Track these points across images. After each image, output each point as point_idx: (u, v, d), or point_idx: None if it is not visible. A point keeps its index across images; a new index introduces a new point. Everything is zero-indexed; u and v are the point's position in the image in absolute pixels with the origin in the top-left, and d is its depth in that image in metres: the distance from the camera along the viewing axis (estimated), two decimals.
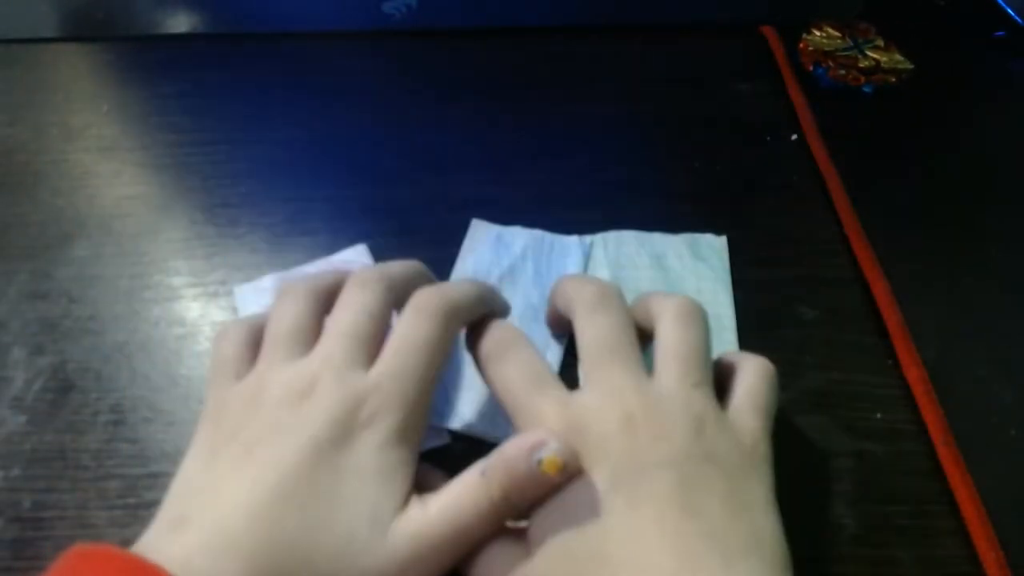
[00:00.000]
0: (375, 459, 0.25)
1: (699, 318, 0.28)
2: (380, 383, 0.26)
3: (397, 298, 0.29)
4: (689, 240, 0.38)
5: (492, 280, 0.36)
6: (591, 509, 0.23)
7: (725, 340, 0.34)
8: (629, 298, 0.30)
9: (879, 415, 0.33)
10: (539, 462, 0.24)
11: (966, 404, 0.33)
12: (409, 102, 0.44)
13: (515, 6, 0.47)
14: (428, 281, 0.31)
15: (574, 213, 0.39)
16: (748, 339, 0.34)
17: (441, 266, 0.37)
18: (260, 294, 0.36)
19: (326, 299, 0.29)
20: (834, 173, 0.41)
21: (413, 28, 0.47)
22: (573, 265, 0.36)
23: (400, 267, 0.30)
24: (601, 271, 0.36)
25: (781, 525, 0.24)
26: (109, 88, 0.46)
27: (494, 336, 0.29)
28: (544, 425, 0.26)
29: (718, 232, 0.38)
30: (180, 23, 0.48)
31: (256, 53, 0.47)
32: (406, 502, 0.25)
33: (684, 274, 0.36)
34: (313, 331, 0.28)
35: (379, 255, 0.37)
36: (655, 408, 0.25)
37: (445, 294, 0.28)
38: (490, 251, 0.37)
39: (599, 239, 0.38)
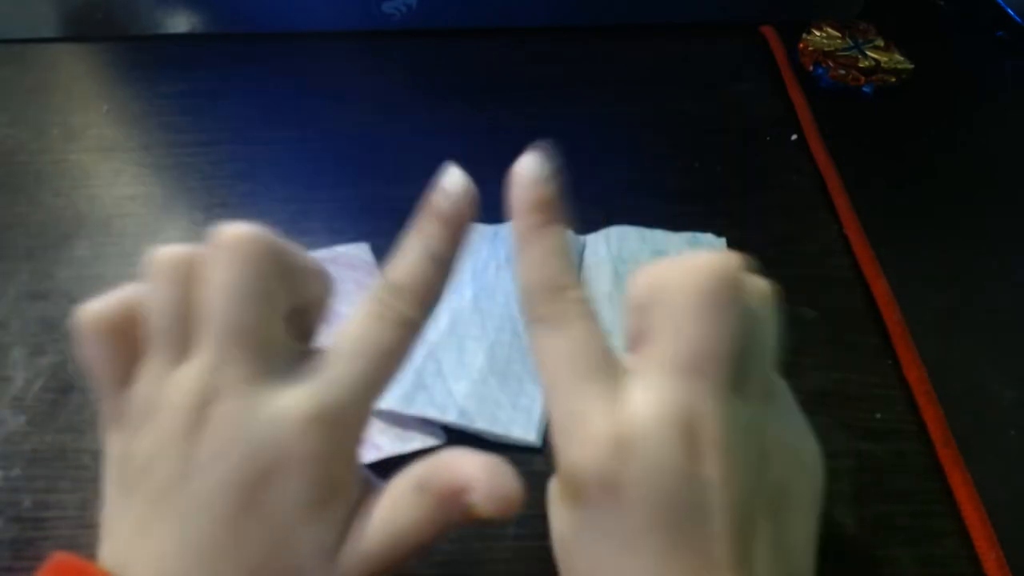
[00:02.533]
0: (307, 495, 0.21)
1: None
2: (299, 414, 0.22)
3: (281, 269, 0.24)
4: (690, 239, 0.38)
5: (490, 271, 0.36)
6: (623, 547, 0.20)
7: None
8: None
9: (879, 415, 0.33)
10: (469, 505, 0.22)
11: (965, 404, 0.33)
12: (409, 102, 0.44)
13: (515, 6, 0.47)
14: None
15: (574, 213, 0.39)
16: None
17: None
18: None
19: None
20: (834, 173, 0.41)
21: (413, 28, 0.47)
22: None
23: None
24: (604, 266, 0.36)
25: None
26: (109, 88, 0.46)
27: (552, 298, 0.23)
28: (585, 431, 0.21)
29: (718, 232, 0.38)
30: (180, 23, 0.48)
31: (256, 53, 0.47)
32: (348, 523, 0.22)
33: None
34: (190, 319, 0.22)
35: (379, 255, 0.37)
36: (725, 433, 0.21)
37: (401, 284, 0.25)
38: (487, 247, 0.37)
39: (602, 234, 0.38)
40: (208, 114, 0.44)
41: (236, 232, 0.23)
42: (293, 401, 0.22)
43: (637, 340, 0.23)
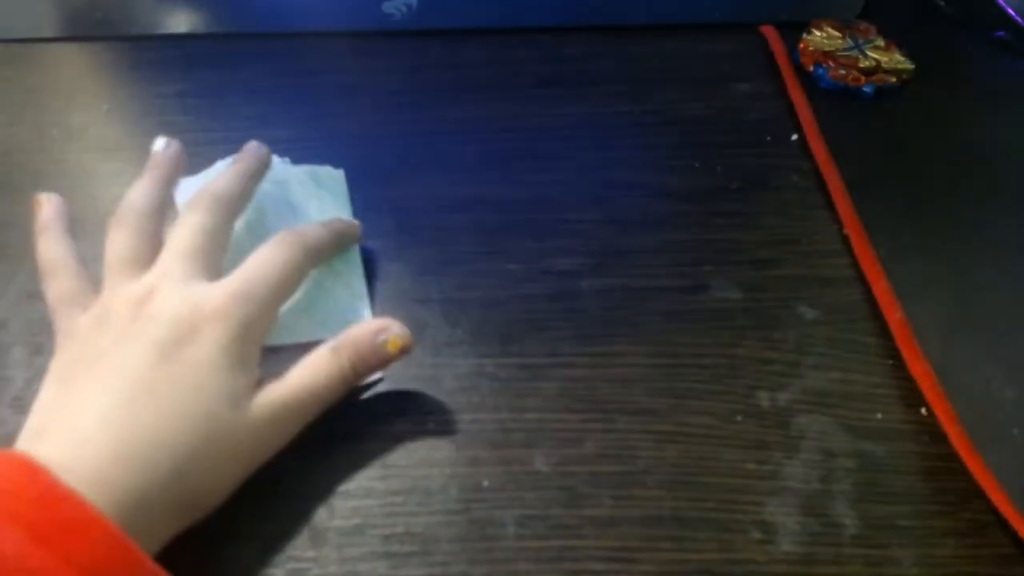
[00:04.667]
0: (221, 354, 0.27)
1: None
2: (222, 292, 0.28)
3: (232, 216, 0.32)
4: (309, 171, 0.39)
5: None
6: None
7: (350, 256, 0.36)
8: (255, 220, 0.35)
9: (879, 415, 0.33)
10: (384, 342, 0.30)
11: (968, 403, 0.33)
12: (409, 102, 0.44)
13: (514, 6, 0.47)
14: (247, 194, 0.34)
15: (574, 213, 0.39)
16: (749, 339, 0.35)
17: (444, 264, 0.37)
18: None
19: (158, 221, 0.32)
20: (834, 173, 0.41)
21: (413, 28, 0.47)
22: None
23: (226, 184, 0.33)
24: None
25: None
26: (109, 88, 0.46)
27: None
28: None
29: (721, 228, 0.38)
30: (180, 23, 0.48)
31: (256, 53, 0.46)
32: (260, 381, 0.28)
33: (307, 199, 0.38)
34: (149, 254, 0.30)
35: (379, 255, 0.37)
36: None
37: (306, 233, 0.32)
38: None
39: (221, 165, 0.38)
40: (208, 114, 0.44)
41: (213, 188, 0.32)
42: (220, 285, 0.29)
43: None
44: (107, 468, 0.24)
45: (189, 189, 0.38)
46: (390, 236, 0.38)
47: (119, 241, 0.31)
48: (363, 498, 0.30)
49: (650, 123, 0.44)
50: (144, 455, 0.25)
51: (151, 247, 0.31)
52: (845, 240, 0.38)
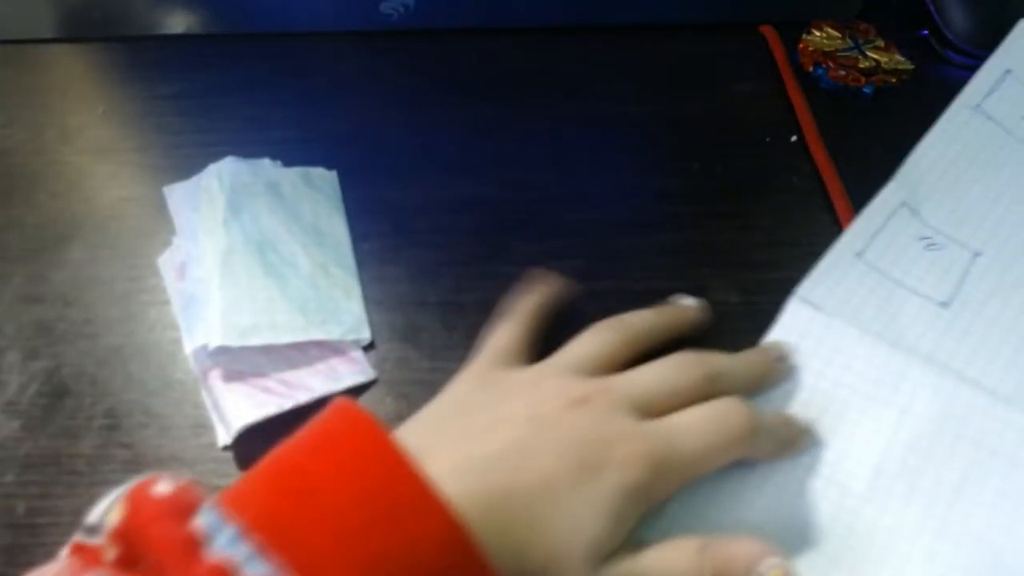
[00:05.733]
0: (612, 499, 0.25)
1: None
2: (654, 433, 0.27)
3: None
4: (301, 172, 0.39)
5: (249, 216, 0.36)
6: None
7: (343, 256, 0.37)
8: (248, 223, 0.35)
9: None
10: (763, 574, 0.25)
11: None
12: (408, 102, 0.44)
13: (514, 6, 0.47)
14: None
15: (572, 215, 0.39)
16: (750, 340, 0.34)
17: (441, 267, 0.37)
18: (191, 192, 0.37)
19: (634, 342, 0.31)
20: (834, 173, 0.40)
21: (411, 28, 0.47)
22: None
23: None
24: (218, 197, 0.36)
25: None
26: (106, 89, 0.45)
27: None
28: None
29: (721, 230, 0.38)
30: (178, 23, 0.48)
31: (253, 53, 0.46)
32: (623, 547, 0.26)
33: (299, 201, 0.38)
34: (607, 367, 0.30)
35: (375, 257, 0.37)
36: None
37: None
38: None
39: (212, 168, 0.38)
40: (205, 115, 0.43)
41: None
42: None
43: None
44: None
45: (185, 193, 0.38)
46: (387, 238, 0.38)
47: (589, 340, 0.31)
48: None
49: (649, 124, 0.44)
50: (495, 538, 0.23)
51: (613, 362, 0.30)
52: None
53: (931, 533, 0.28)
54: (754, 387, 0.31)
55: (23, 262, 0.37)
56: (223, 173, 0.37)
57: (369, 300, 0.36)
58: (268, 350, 0.33)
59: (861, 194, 0.39)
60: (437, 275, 0.37)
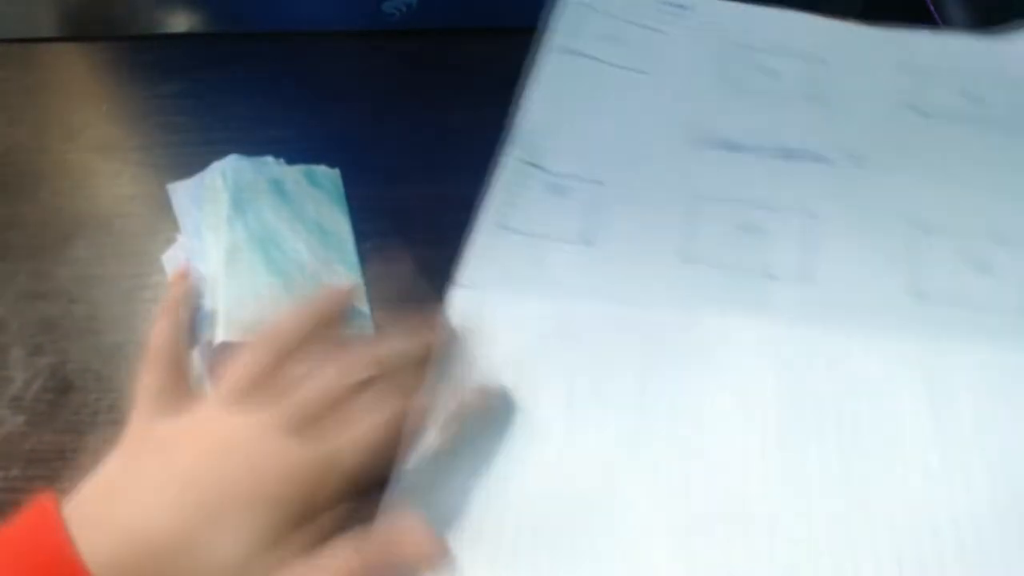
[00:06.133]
0: (262, 534, 0.26)
1: None
2: (311, 458, 0.27)
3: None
4: (304, 170, 0.39)
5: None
6: None
7: (347, 254, 0.37)
8: (252, 221, 0.35)
9: None
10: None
11: None
12: (409, 102, 0.44)
13: (515, 6, 0.47)
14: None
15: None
16: None
17: (440, 266, 0.37)
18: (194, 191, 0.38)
19: (286, 352, 0.30)
20: None
21: (413, 27, 0.47)
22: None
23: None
24: (221, 195, 0.37)
25: None
26: (108, 88, 0.46)
27: None
28: None
29: None
30: (180, 23, 0.48)
31: (255, 53, 0.46)
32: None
33: (303, 199, 0.38)
34: (266, 385, 0.29)
35: (376, 255, 0.37)
36: None
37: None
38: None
39: (216, 166, 0.38)
40: (208, 114, 0.44)
41: None
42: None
43: None
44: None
45: (189, 190, 0.38)
46: (388, 237, 0.38)
47: (244, 361, 0.30)
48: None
49: None
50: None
51: (270, 379, 0.29)
52: None
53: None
54: (414, 361, 0.31)
55: (28, 259, 0.37)
56: (227, 171, 0.37)
57: (372, 298, 0.36)
58: None
59: None
60: (439, 274, 0.37)
